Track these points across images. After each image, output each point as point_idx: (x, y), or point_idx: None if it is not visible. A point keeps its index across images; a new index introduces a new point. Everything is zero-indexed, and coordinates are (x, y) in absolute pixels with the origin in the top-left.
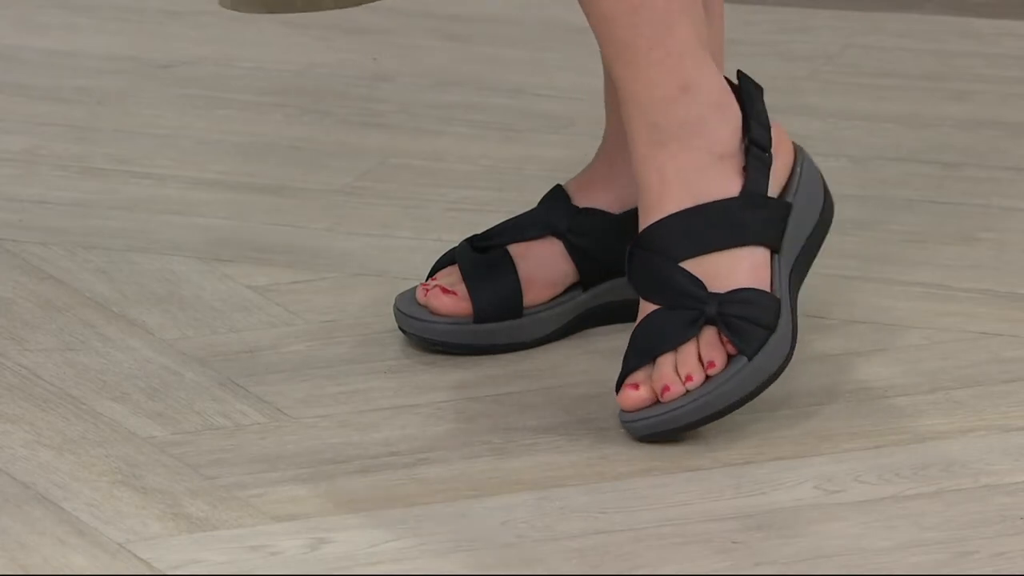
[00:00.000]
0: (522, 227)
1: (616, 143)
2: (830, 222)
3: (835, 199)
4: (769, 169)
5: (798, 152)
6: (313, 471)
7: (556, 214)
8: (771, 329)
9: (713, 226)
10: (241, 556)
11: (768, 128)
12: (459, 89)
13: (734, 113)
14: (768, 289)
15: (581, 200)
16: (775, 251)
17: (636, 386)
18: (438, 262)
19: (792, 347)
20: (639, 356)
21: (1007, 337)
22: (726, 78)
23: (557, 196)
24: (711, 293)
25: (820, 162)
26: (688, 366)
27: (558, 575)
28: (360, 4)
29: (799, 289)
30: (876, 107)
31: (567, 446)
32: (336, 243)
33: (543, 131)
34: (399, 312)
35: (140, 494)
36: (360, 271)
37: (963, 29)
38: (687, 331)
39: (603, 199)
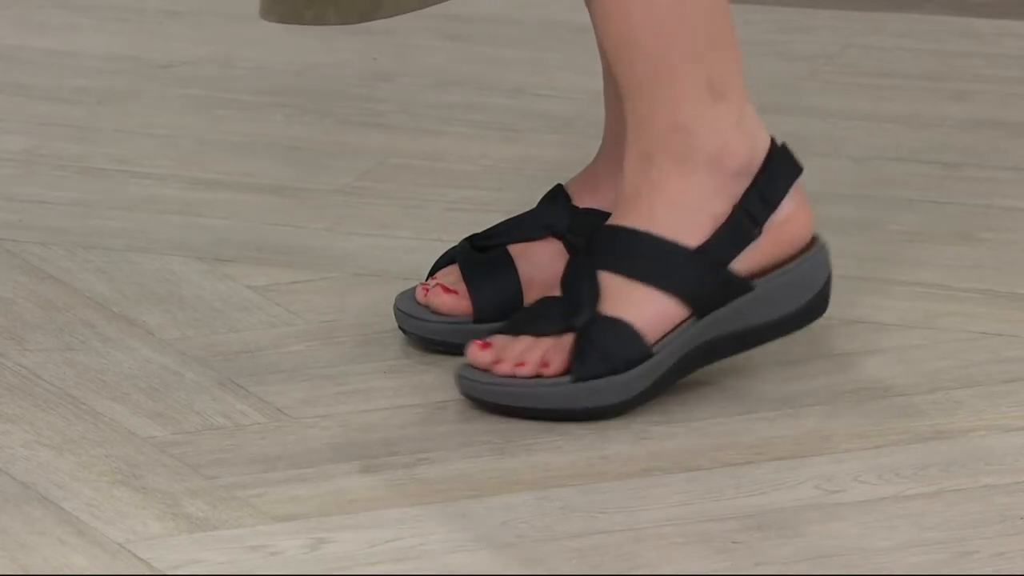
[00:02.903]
0: (522, 227)
1: (616, 143)
2: (801, 325)
3: (835, 199)
4: (747, 244)
5: (811, 248)
6: (313, 471)
7: (556, 214)
8: (614, 371)
9: (647, 259)
10: (241, 556)
11: (770, 206)
12: (459, 89)
13: (732, 173)
14: (651, 339)
15: (581, 200)
16: (696, 315)
17: (486, 346)
18: (438, 261)
19: (630, 402)
20: (513, 325)
21: (1007, 337)
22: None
23: (557, 196)
24: (594, 309)
25: (820, 162)
26: (529, 356)
27: (558, 575)
28: (424, 7)
29: (710, 362)
30: (876, 107)
31: (567, 446)
32: (336, 243)
33: (543, 131)
34: (399, 312)
35: (140, 494)
36: (360, 271)
37: (963, 29)
38: (553, 327)
39: (603, 199)
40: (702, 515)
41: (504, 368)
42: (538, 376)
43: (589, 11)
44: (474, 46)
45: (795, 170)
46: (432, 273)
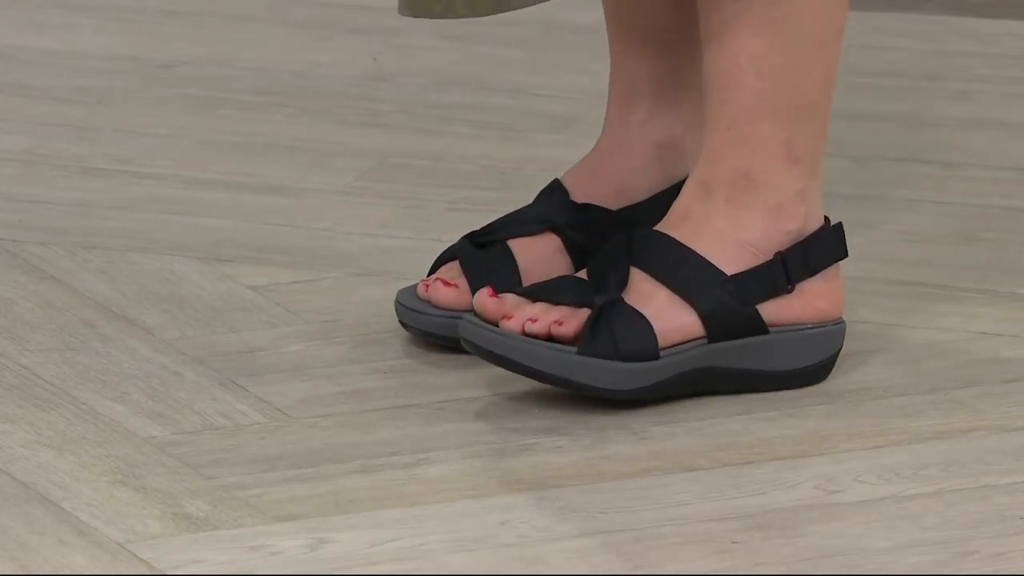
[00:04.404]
0: (521, 222)
1: (615, 138)
2: (802, 384)
3: (835, 199)
4: (776, 294)
5: (832, 325)
6: (313, 471)
7: (554, 209)
8: (621, 358)
9: (681, 269)
10: (241, 556)
11: (809, 270)
12: (459, 89)
13: (783, 231)
14: (661, 344)
15: (579, 195)
16: (708, 338)
17: (495, 296)
18: (438, 259)
19: (623, 392)
20: (530, 292)
21: (1007, 337)
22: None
23: (555, 190)
24: (618, 294)
25: None
26: (544, 316)
27: (558, 575)
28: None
29: (704, 389)
30: (876, 107)
31: (567, 446)
32: (336, 243)
33: (543, 131)
34: (400, 305)
35: (140, 494)
36: (360, 271)
37: (963, 29)
38: (571, 299)
39: (601, 195)
40: (702, 515)
41: (513, 324)
42: (548, 337)
43: (700, 32)
44: (474, 46)
45: (842, 251)
46: (432, 270)
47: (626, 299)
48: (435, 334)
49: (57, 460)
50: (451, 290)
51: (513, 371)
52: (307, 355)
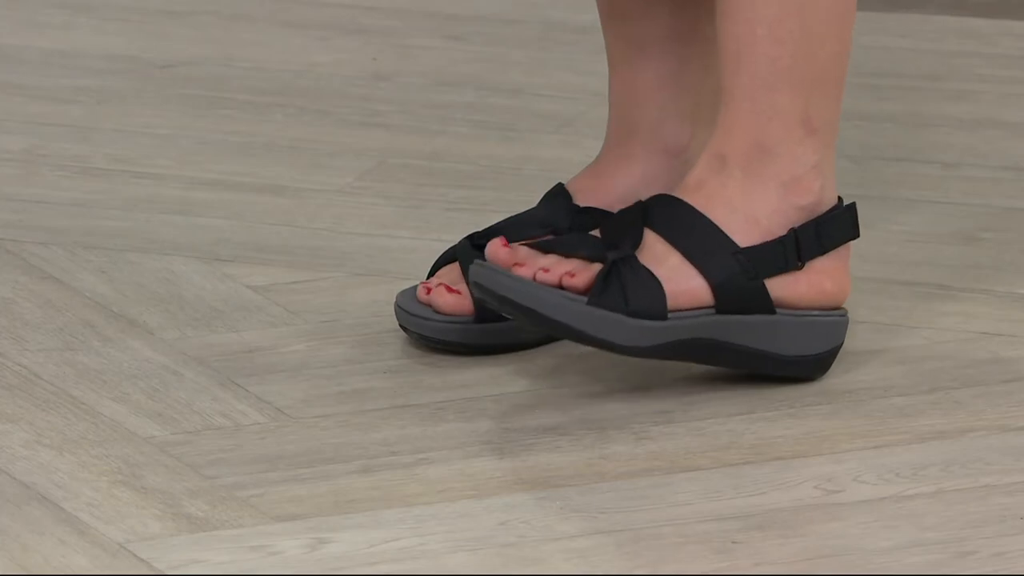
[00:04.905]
0: (523, 225)
1: (618, 143)
2: (801, 372)
3: None
4: (786, 270)
5: (837, 315)
6: (313, 471)
7: (557, 213)
8: (630, 313)
9: (695, 235)
10: (241, 556)
11: (820, 248)
12: (459, 89)
13: (797, 206)
14: (670, 306)
15: (582, 199)
16: (716, 307)
17: (507, 246)
18: (438, 260)
19: (628, 349)
20: (543, 245)
21: (1007, 337)
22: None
23: (558, 195)
24: (632, 252)
25: None
26: (556, 267)
27: (558, 575)
28: None
29: (705, 363)
30: (876, 107)
31: (567, 446)
32: (336, 243)
33: (543, 131)
34: (400, 310)
35: (140, 494)
36: (360, 271)
37: (963, 29)
38: (587, 252)
39: (604, 199)
40: (702, 515)
41: (525, 271)
42: (559, 287)
43: (717, 8)
44: (474, 46)
45: (854, 231)
46: (432, 272)
47: (639, 258)
48: (436, 339)
49: (57, 460)
50: (453, 296)
51: (520, 316)
52: (307, 355)
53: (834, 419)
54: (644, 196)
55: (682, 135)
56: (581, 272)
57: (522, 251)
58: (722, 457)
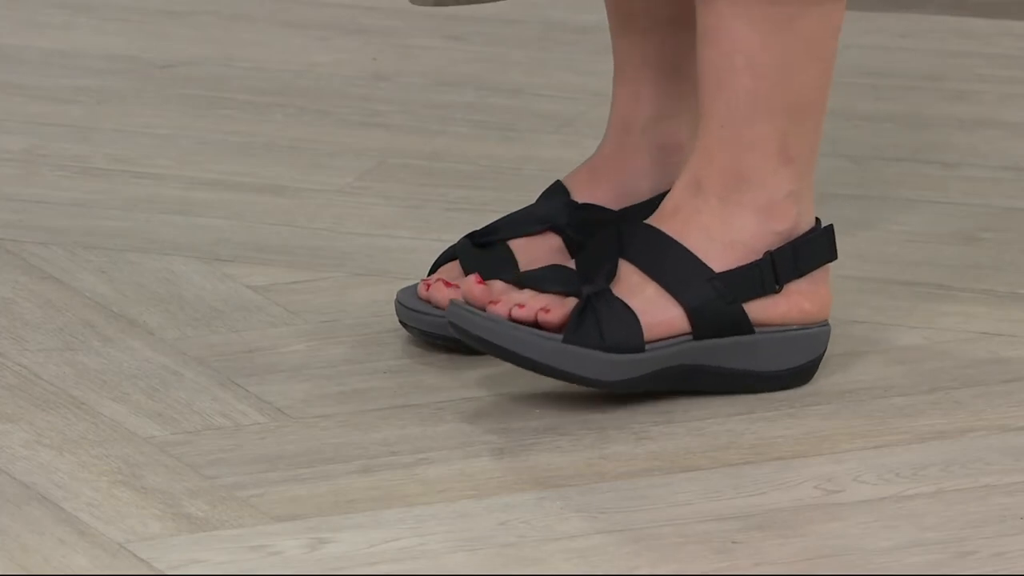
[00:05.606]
0: (521, 222)
1: (618, 139)
2: (785, 386)
3: (835, 199)
4: (764, 293)
5: (817, 327)
6: (313, 471)
7: (555, 209)
8: (606, 348)
9: (670, 264)
10: (241, 556)
11: (797, 272)
12: (459, 89)
13: (773, 231)
14: (647, 337)
15: (581, 195)
16: (693, 334)
17: (481, 282)
18: (438, 259)
19: (607, 384)
20: (518, 280)
21: (1007, 337)
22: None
23: (556, 191)
24: (606, 285)
25: (820, 162)
26: (531, 302)
27: (558, 575)
28: None
29: (687, 387)
30: (876, 107)
31: (567, 446)
32: (336, 243)
33: (543, 131)
34: (400, 305)
35: (140, 494)
36: (360, 271)
37: (963, 29)
38: (559, 287)
39: (602, 195)
40: (701, 515)
41: (500, 309)
42: (534, 324)
43: (697, 32)
44: (474, 46)
45: (832, 254)
46: (433, 271)
47: (614, 290)
48: (435, 334)
49: (57, 460)
50: (452, 291)
51: (497, 356)
52: (307, 355)
53: (834, 419)
54: (640, 190)
55: (679, 132)
56: (556, 308)
57: (497, 287)
58: (722, 457)
